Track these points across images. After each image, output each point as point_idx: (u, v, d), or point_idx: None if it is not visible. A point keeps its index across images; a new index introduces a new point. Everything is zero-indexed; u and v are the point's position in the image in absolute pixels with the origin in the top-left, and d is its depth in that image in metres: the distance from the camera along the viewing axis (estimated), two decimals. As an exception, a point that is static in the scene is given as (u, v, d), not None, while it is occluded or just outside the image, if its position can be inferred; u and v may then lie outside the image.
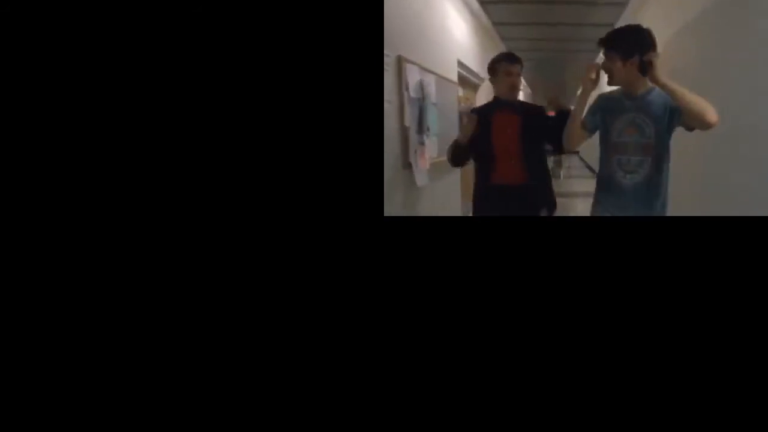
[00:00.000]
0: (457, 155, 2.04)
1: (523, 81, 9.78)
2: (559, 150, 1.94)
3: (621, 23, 4.51)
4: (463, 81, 4.51)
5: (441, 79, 3.20)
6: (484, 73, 4.41)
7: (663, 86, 1.44)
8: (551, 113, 2.06)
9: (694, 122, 1.44)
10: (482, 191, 2.00)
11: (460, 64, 4.12)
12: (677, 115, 1.49)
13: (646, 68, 1.48)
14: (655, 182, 1.56)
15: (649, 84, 1.53)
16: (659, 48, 1.56)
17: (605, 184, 1.66)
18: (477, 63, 4.74)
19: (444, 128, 3.14)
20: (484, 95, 4.95)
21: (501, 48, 5.78)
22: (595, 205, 1.71)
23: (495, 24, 5.02)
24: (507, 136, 1.93)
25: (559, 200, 2.09)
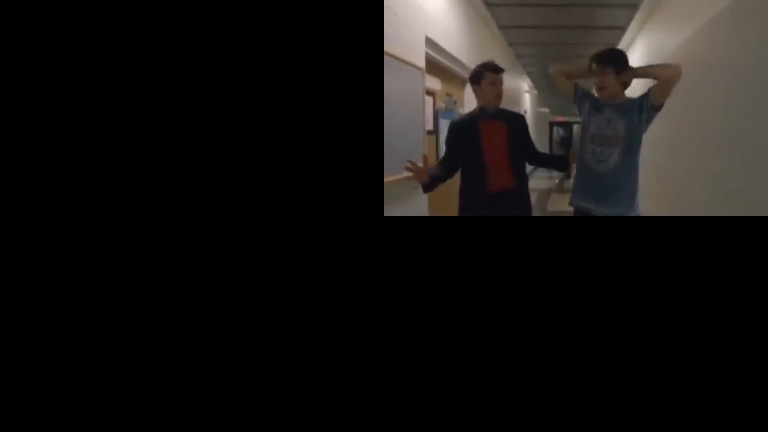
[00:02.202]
0: (429, 188, 2.07)
1: (529, 82, 8.83)
2: (531, 162, 2.18)
3: (633, 25, 4.53)
4: (443, 72, 3.49)
5: (391, 59, 2.40)
6: (473, 65, 3.76)
7: (642, 73, 1.85)
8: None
9: (667, 83, 1.76)
10: (476, 200, 2.02)
11: (432, 45, 3.02)
12: (646, 111, 1.80)
13: (628, 83, 1.86)
14: (621, 171, 1.84)
15: (624, 96, 1.87)
16: (674, 49, 1.87)
17: (581, 169, 1.94)
18: (467, 53, 3.78)
19: (397, 130, 2.37)
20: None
21: (499, 38, 5.10)
22: (573, 187, 2.01)
23: (500, 25, 4.75)
24: (495, 144, 1.99)
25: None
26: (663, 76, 1.77)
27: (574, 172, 2.09)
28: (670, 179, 3.36)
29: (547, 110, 12.84)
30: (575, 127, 13.44)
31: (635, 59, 4.40)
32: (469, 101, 4.13)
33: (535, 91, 9.92)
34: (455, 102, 3.79)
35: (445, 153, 2.12)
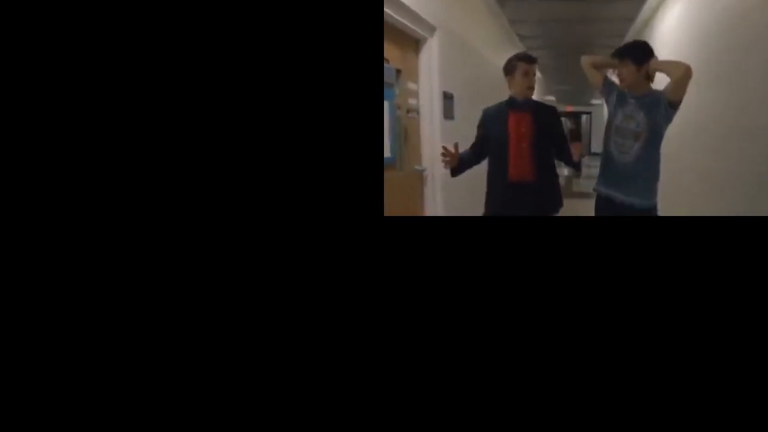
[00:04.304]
0: (457, 172, 2.14)
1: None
2: (556, 156, 2.15)
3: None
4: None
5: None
6: (434, 18, 2.71)
7: (655, 68, 1.89)
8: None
9: (678, 81, 1.80)
10: (499, 188, 2.08)
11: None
12: (664, 107, 1.85)
13: (651, 75, 1.91)
14: (642, 163, 1.92)
15: (649, 88, 1.93)
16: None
17: (605, 159, 2.02)
18: (431, 4, 2.68)
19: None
20: (433, 54, 2.82)
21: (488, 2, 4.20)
22: (598, 176, 2.06)
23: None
24: (520, 134, 2.03)
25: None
26: (672, 74, 1.82)
27: (587, 169, 2.15)
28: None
29: (553, 98, 11.43)
30: (584, 117, 12.88)
31: (672, 19, 3.87)
32: (426, 73, 2.84)
33: (538, 74, 7.89)
34: (398, 72, 2.54)
35: (476, 139, 2.18)
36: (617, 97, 1.99)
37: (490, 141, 2.10)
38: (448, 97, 3.04)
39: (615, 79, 2.05)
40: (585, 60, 2.09)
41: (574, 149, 2.07)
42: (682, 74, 1.79)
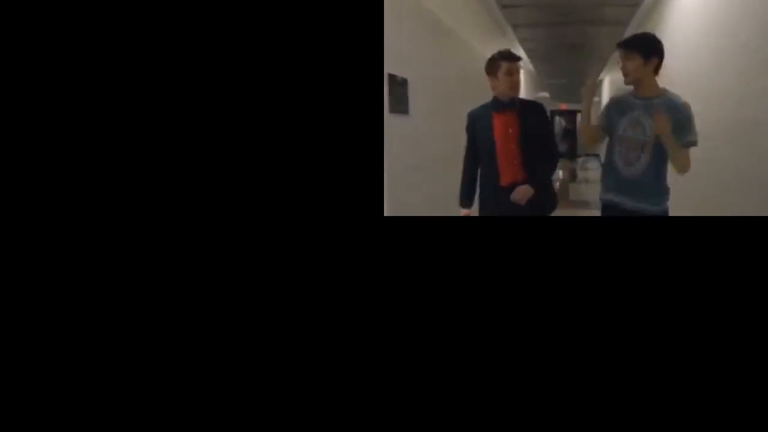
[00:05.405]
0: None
1: (521, 49, 6.50)
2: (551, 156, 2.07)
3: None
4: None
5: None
6: None
7: (665, 140, 1.69)
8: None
9: (676, 166, 1.73)
10: (492, 193, 2.01)
11: None
12: (681, 128, 1.69)
13: (657, 70, 1.75)
14: (650, 175, 1.77)
15: (658, 90, 1.77)
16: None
17: (608, 171, 1.88)
18: None
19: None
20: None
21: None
22: (601, 181, 1.94)
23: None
24: (507, 137, 1.95)
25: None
26: (673, 160, 1.73)
27: (581, 173, 2.02)
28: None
29: (547, 95, 10.71)
30: (579, 116, 12.18)
31: (687, 3, 3.50)
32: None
33: (530, 66, 7.30)
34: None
35: (467, 144, 2.10)
36: (614, 110, 1.86)
37: (478, 145, 2.02)
38: (398, 84, 2.41)
39: (617, 74, 1.93)
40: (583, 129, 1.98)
41: (522, 193, 1.93)
42: (678, 165, 1.73)
